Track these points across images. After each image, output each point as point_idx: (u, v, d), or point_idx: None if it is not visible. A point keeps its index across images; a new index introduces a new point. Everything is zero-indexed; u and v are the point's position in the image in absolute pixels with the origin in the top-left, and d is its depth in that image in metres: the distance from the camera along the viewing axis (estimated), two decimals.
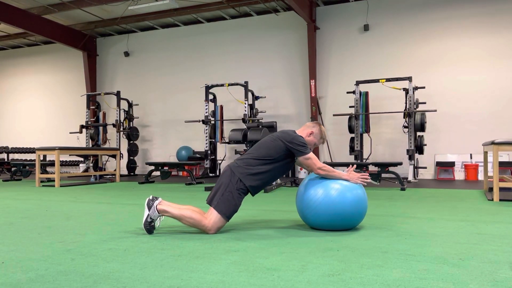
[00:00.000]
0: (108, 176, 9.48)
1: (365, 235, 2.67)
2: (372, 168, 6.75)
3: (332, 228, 2.80)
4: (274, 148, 2.86)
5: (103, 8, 10.60)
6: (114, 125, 10.13)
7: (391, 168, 6.39)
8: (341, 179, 2.77)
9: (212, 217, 2.73)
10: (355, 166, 2.94)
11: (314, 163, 2.80)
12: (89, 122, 10.31)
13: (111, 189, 6.74)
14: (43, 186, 7.37)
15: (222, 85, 9.26)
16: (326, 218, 2.74)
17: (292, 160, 2.92)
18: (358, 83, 8.42)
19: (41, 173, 7.88)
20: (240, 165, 2.85)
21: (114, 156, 9.38)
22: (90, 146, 10.24)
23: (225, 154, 10.26)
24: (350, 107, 8.67)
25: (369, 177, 2.84)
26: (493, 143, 4.65)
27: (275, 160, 2.86)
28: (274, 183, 7.00)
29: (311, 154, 2.83)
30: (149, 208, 2.75)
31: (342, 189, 2.72)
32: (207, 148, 9.38)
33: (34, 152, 11.46)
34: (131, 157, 10.77)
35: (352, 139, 8.53)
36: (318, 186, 2.77)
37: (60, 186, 7.25)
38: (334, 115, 9.14)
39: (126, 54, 12.21)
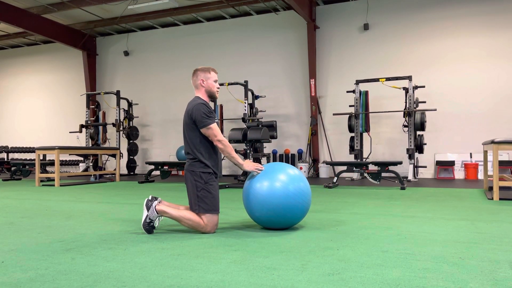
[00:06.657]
0: (108, 176, 9.47)
1: (365, 234, 2.67)
2: (372, 167, 6.75)
3: (274, 226, 2.80)
4: (191, 125, 2.87)
5: (103, 8, 10.59)
6: (114, 125, 10.13)
7: (391, 167, 6.39)
8: (237, 162, 2.82)
9: (204, 219, 2.76)
10: (252, 159, 3.00)
11: (215, 134, 2.82)
12: (89, 122, 10.30)
13: (111, 188, 6.74)
14: (43, 185, 7.36)
15: (222, 84, 9.24)
16: (268, 212, 2.72)
17: None
18: (358, 82, 8.42)
19: (41, 173, 7.87)
20: (191, 162, 2.86)
21: (114, 156, 9.38)
22: (90, 145, 10.23)
23: None
24: (350, 106, 8.67)
25: (263, 168, 2.83)
26: (493, 142, 4.65)
27: (199, 132, 2.85)
28: None
29: (214, 125, 2.84)
30: (148, 208, 2.75)
31: (286, 181, 2.72)
32: None
33: (34, 152, 11.45)
34: (131, 157, 10.76)
35: (352, 139, 8.52)
36: (263, 180, 2.76)
37: (60, 185, 7.25)
38: (334, 114, 9.14)
39: (126, 53, 12.20)
